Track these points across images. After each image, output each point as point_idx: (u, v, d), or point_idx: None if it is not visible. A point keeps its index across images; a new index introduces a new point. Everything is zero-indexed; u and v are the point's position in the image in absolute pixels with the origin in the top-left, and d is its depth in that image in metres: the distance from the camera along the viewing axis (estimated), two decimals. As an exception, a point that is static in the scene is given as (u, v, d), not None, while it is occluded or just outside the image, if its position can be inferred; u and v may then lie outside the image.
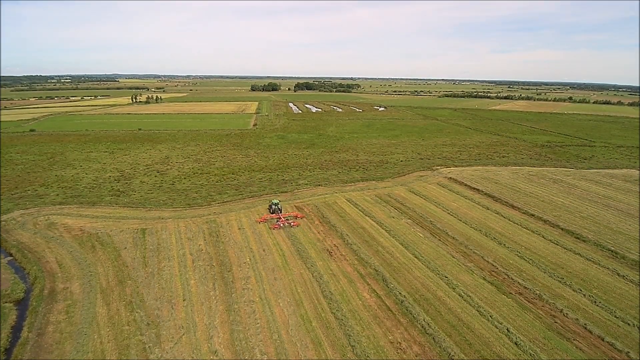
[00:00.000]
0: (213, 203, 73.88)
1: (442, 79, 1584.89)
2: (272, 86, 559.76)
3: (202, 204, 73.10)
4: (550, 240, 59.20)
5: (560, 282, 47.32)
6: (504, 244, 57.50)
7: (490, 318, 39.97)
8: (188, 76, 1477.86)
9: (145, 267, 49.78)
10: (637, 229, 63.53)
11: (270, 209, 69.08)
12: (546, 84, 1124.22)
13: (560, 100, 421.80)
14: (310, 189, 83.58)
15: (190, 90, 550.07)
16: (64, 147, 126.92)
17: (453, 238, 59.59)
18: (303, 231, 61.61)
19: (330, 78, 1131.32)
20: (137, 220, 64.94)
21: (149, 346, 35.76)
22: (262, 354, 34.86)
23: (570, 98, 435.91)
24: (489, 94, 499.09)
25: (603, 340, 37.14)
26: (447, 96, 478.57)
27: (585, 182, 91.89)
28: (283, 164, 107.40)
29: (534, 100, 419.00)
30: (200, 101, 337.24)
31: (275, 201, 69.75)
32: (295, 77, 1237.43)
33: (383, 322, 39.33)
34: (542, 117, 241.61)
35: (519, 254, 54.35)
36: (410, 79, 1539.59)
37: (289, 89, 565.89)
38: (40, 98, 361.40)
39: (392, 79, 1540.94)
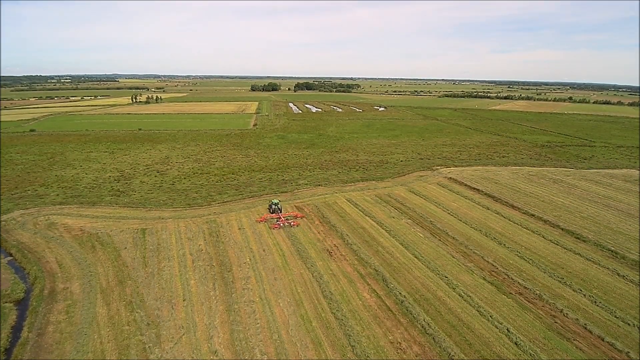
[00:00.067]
0: (213, 203, 73.88)
1: (442, 79, 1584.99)
2: (272, 86, 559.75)
3: (202, 204, 73.11)
4: (550, 240, 59.20)
5: (560, 282, 47.31)
6: (504, 244, 57.51)
7: (490, 318, 39.97)
8: (188, 76, 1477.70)
9: (145, 267, 49.79)
10: (637, 229, 63.53)
11: (270, 209, 69.09)
12: (546, 84, 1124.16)
13: (560, 100, 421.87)
14: (310, 189, 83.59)
15: (190, 90, 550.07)
16: (64, 147, 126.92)
17: (453, 238, 59.59)
18: (303, 231, 61.62)
19: (330, 78, 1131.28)
20: (137, 220, 64.94)
21: (149, 346, 35.76)
22: (262, 354, 34.86)
23: (570, 98, 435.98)
24: (489, 94, 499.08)
25: (603, 340, 37.13)
26: (447, 96, 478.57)
27: (585, 182, 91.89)
28: (283, 164, 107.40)
29: (534, 100, 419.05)
30: (200, 101, 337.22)
31: (275, 201, 69.77)
32: (295, 77, 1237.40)
33: (383, 322, 39.33)
34: (542, 117, 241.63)
35: (519, 254, 54.35)
36: (410, 79, 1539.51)
37: (289, 89, 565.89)
38: (40, 98, 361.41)
39: (392, 79, 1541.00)
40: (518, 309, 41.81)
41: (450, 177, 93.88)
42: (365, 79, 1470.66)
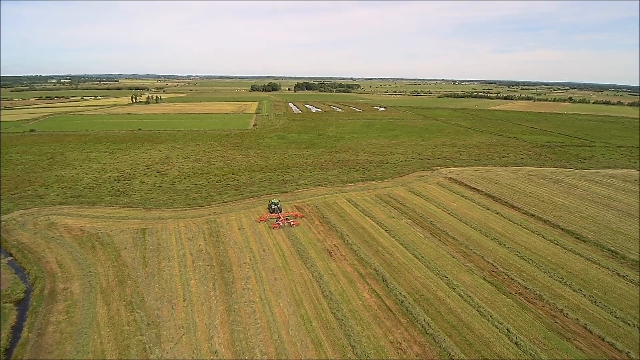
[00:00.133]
0: (213, 203, 73.88)
1: (442, 79, 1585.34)
2: (272, 86, 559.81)
3: (202, 204, 73.11)
4: (550, 240, 59.21)
5: (560, 282, 47.32)
6: (504, 244, 57.51)
7: (490, 318, 39.98)
8: (188, 76, 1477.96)
9: (145, 267, 49.79)
10: (637, 229, 63.55)
11: (269, 209, 69.11)
12: (546, 84, 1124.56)
13: (560, 100, 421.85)
14: (310, 189, 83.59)
15: (190, 90, 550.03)
16: (64, 147, 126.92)
17: (453, 238, 59.60)
18: (303, 231, 61.62)
19: (330, 78, 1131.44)
20: (137, 220, 64.94)
21: (149, 346, 35.76)
22: (263, 354, 34.86)
23: (570, 98, 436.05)
24: (489, 94, 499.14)
25: (603, 340, 37.14)
26: (447, 96, 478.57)
27: (585, 182, 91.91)
28: (283, 164, 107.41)
29: (534, 101, 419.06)
30: (200, 101, 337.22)
31: (274, 201, 69.80)
32: (295, 77, 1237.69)
33: (383, 322, 39.34)
34: (542, 117, 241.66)
35: (519, 254, 54.36)
36: (410, 79, 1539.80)
37: (289, 89, 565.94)
38: (40, 98, 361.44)
39: (392, 79, 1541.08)
40: (518, 309, 41.82)
41: (450, 177, 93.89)
42: (365, 79, 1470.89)
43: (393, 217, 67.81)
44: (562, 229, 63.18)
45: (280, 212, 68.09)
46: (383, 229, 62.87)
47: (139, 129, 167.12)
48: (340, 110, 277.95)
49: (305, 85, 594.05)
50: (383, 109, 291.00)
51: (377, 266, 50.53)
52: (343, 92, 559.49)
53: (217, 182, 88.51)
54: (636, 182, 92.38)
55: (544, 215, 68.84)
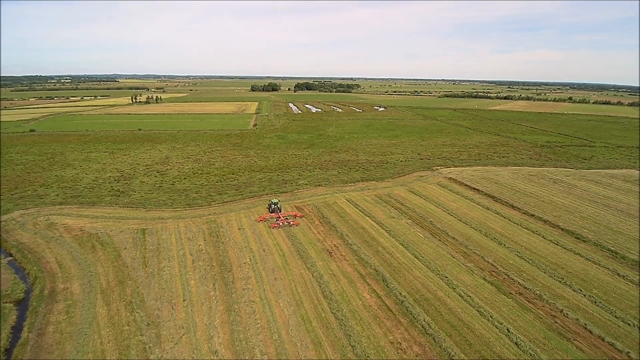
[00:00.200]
0: (213, 203, 73.87)
1: (442, 79, 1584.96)
2: (272, 86, 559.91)
3: (202, 204, 73.10)
4: (550, 240, 59.21)
5: (560, 282, 47.31)
6: (504, 244, 57.51)
7: (490, 318, 39.97)
8: (188, 76, 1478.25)
9: (145, 267, 49.78)
10: (637, 229, 63.54)
11: (269, 209, 69.12)
12: (546, 84, 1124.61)
13: (560, 100, 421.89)
14: (310, 189, 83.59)
15: (190, 90, 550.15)
16: (64, 147, 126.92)
17: (453, 238, 59.59)
18: (303, 231, 61.61)
19: (330, 78, 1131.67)
20: (137, 220, 64.93)
21: (149, 346, 35.75)
22: (263, 354, 34.86)
23: (570, 98, 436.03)
24: (489, 94, 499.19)
25: (603, 340, 37.14)
26: (447, 96, 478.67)
27: (585, 182, 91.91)
28: (283, 164, 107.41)
29: (534, 101, 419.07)
30: (200, 101, 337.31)
31: (274, 200, 69.82)
32: (295, 77, 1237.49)
33: (383, 322, 39.33)
34: (542, 117, 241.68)
35: (519, 254, 54.36)
36: (410, 79, 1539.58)
37: (289, 89, 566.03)
38: (40, 98, 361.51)
39: (392, 79, 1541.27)
40: (518, 309, 41.81)
41: (450, 177, 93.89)
42: (365, 79, 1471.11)
43: (393, 217, 67.80)
44: (562, 229, 63.18)
45: (280, 212, 68.10)
46: (383, 229, 62.88)
47: (139, 129, 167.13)
48: (340, 110, 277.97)
49: (305, 85, 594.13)
50: (383, 109, 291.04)
51: (377, 266, 50.53)
52: (343, 92, 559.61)
53: (217, 182, 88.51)
54: (636, 182, 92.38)
55: (544, 215, 68.84)
